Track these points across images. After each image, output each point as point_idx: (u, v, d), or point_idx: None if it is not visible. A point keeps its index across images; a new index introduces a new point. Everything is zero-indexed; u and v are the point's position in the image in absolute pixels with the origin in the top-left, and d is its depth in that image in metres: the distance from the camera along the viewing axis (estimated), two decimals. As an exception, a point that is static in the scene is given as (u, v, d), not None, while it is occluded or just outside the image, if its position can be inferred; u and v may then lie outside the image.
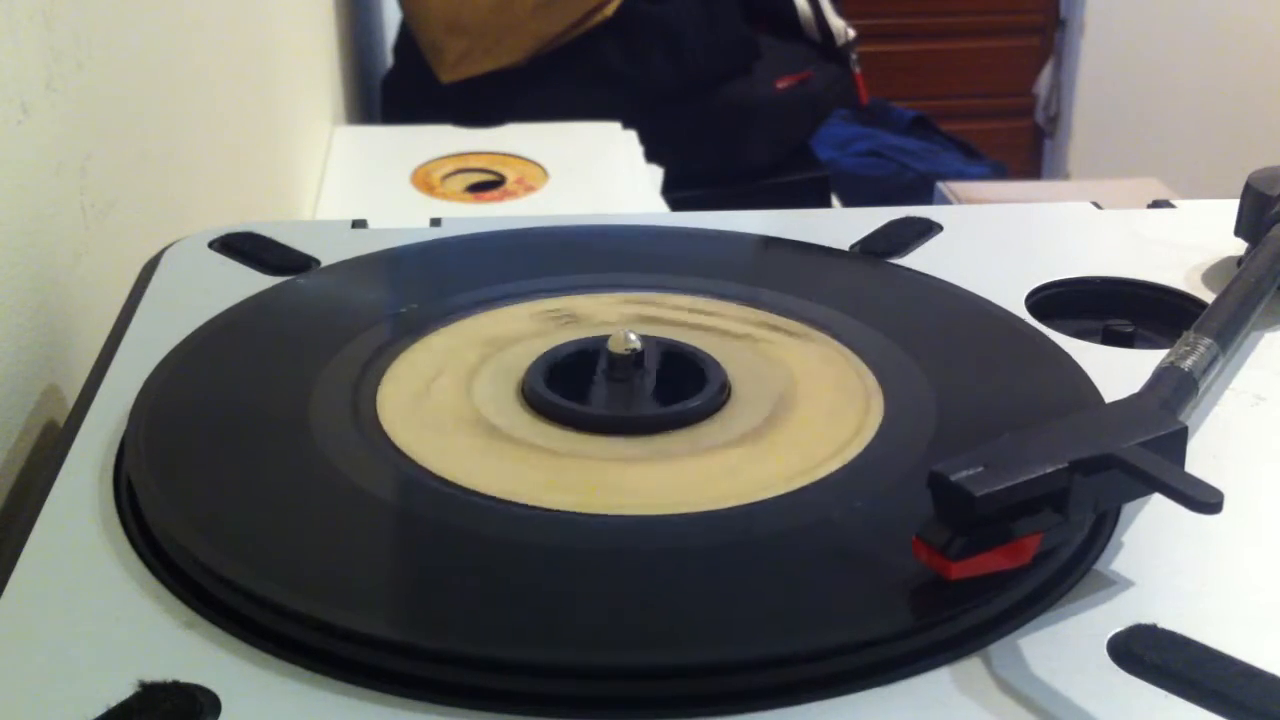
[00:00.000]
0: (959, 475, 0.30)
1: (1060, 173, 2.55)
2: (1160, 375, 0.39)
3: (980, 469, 0.31)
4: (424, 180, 1.08)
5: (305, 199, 1.07)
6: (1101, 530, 0.34)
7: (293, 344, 0.44)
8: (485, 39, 1.37)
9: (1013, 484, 0.30)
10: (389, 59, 1.56)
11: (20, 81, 0.48)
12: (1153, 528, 0.35)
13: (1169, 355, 0.40)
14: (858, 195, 1.90)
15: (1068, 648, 0.30)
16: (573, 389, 0.40)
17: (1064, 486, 0.31)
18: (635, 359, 0.41)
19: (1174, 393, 0.38)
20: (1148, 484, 0.31)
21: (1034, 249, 0.52)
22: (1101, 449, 0.32)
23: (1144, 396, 0.37)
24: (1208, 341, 0.40)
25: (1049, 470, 0.31)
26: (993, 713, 0.29)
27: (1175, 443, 0.33)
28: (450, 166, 1.11)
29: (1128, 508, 0.35)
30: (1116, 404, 0.36)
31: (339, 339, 0.43)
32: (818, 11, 1.59)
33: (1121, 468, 0.31)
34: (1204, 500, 0.30)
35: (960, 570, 0.30)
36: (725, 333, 0.44)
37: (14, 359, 0.46)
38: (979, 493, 0.30)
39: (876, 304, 0.46)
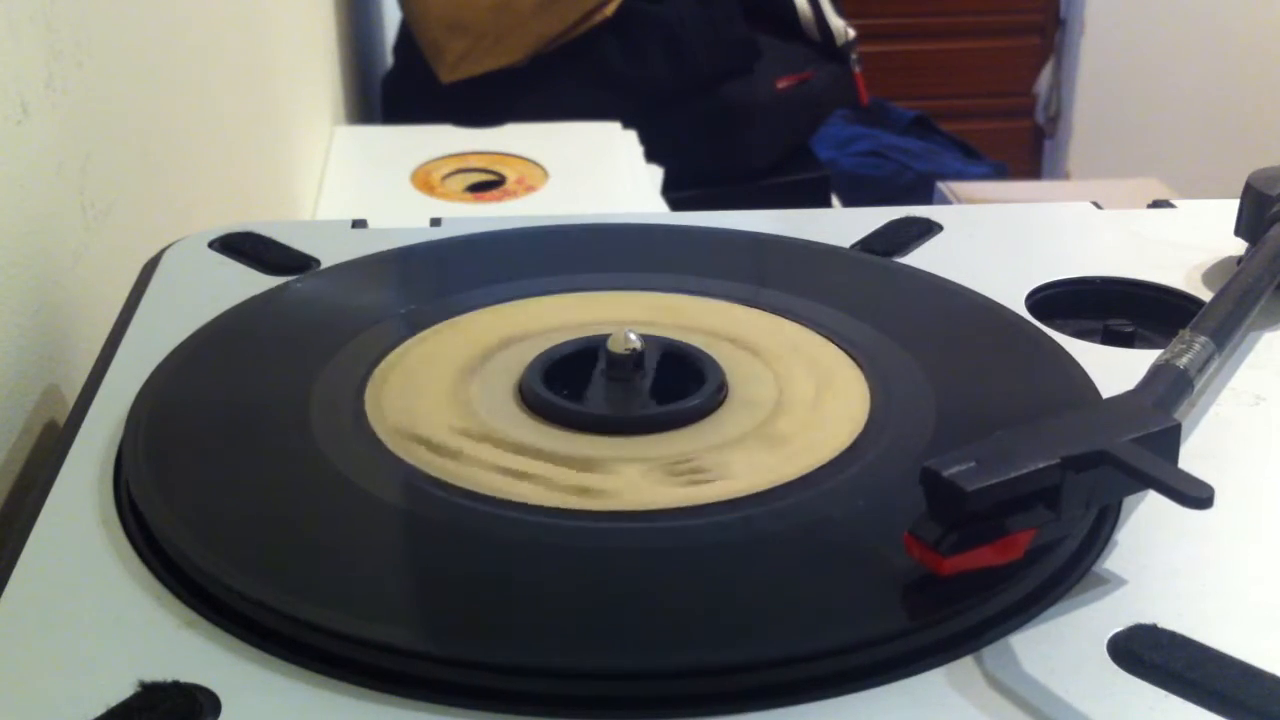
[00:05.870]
0: (951, 471, 0.30)
1: (1060, 173, 2.55)
2: (1155, 373, 0.38)
3: (972, 465, 0.31)
4: (424, 180, 1.08)
5: (305, 199, 1.07)
6: (1100, 530, 0.34)
7: (293, 344, 0.44)
8: (485, 39, 1.37)
9: (1004, 480, 0.30)
10: (389, 59, 1.56)
11: (20, 81, 0.48)
12: (1152, 527, 0.35)
13: (1164, 353, 0.40)
14: (858, 195, 1.90)
15: (1067, 647, 0.30)
16: (571, 389, 0.40)
17: (1056, 483, 0.31)
18: (635, 359, 0.41)
19: (1168, 390, 0.38)
20: (1139, 480, 0.31)
21: (1034, 249, 0.52)
22: (1093, 445, 0.32)
23: (1138, 394, 0.37)
24: (1203, 340, 0.40)
25: (1041, 466, 0.31)
26: (992, 713, 0.29)
27: (1168, 439, 0.33)
28: (450, 166, 1.11)
29: (1127, 507, 0.35)
30: (1110, 401, 0.36)
31: (339, 339, 0.43)
32: (818, 11, 1.59)
33: (1113, 464, 0.31)
34: (1195, 495, 0.30)
35: (952, 566, 0.30)
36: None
37: (14, 359, 0.46)
38: (970, 488, 0.30)
39: (876, 303, 0.46)
